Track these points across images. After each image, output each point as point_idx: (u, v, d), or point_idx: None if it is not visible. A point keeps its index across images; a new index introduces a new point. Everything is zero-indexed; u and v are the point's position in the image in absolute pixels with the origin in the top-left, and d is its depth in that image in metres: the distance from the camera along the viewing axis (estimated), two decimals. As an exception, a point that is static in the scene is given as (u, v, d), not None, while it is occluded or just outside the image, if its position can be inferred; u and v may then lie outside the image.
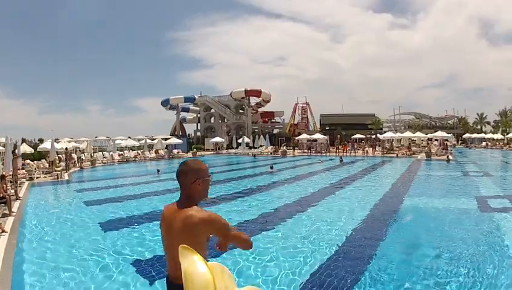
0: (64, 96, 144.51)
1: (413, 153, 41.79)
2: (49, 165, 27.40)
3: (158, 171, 26.91)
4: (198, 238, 2.52)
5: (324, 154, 46.43)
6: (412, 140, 52.76)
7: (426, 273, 6.29)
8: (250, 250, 2.68)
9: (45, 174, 25.59)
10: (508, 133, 63.16)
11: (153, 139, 55.18)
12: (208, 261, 2.23)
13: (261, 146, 57.96)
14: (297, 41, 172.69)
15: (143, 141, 51.71)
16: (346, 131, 69.38)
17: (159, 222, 2.85)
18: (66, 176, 24.48)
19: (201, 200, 2.78)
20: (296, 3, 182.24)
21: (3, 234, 8.95)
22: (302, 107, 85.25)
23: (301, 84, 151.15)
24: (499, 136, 65.36)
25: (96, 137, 55.26)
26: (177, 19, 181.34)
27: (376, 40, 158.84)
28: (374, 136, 61.34)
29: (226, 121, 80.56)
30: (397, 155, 40.46)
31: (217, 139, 59.96)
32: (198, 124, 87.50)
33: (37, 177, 23.81)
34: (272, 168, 25.05)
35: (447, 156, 33.34)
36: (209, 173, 2.82)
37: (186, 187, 2.73)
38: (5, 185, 12.93)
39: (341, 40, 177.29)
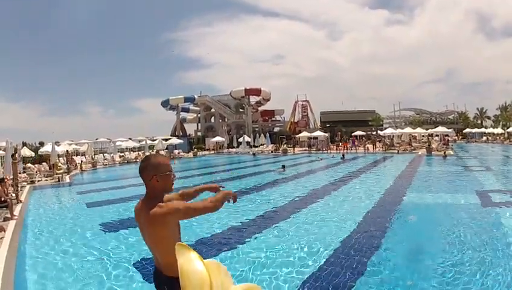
0: (64, 99, 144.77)
1: (414, 149, 41.76)
2: (50, 168, 27.38)
3: None
4: (166, 231, 2.56)
5: (325, 151, 46.46)
6: (413, 136, 52.72)
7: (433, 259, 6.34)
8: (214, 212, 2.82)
9: (46, 177, 25.56)
10: (508, 128, 62.99)
11: (154, 140, 55.14)
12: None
13: (261, 145, 57.95)
14: (295, 39, 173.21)
15: (143, 142, 51.68)
16: (346, 128, 69.32)
17: None
18: (67, 179, 24.47)
19: (166, 193, 2.81)
20: (291, 0, 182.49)
21: (3, 236, 8.95)
22: (302, 105, 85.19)
23: (300, 82, 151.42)
24: (499, 130, 65.24)
25: (96, 139, 55.23)
26: (173, 19, 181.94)
27: (373, 36, 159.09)
28: (374, 133, 61.28)
29: (226, 120, 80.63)
30: (398, 151, 40.37)
31: (218, 138, 59.95)
32: (199, 124, 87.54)
33: (38, 181, 23.81)
34: (283, 167, 24.72)
35: (444, 152, 33.26)
36: (170, 167, 2.80)
37: (146, 185, 2.76)
38: (6, 189, 12.94)
39: (338, 37, 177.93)
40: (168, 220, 2.55)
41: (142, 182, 2.75)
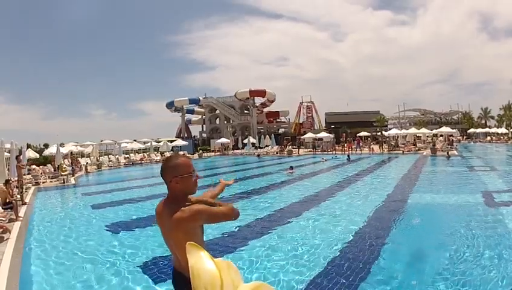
0: (67, 101, 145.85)
1: (419, 150, 41.64)
2: (54, 170, 27.43)
3: None
4: (188, 235, 2.45)
5: (330, 152, 46.43)
6: (417, 136, 52.56)
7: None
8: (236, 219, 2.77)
9: (51, 178, 25.63)
10: (512, 127, 62.96)
11: (159, 142, 55.24)
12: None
13: (266, 146, 57.90)
14: (299, 40, 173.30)
15: (148, 144, 51.77)
16: (351, 129, 69.24)
17: None
18: (72, 180, 24.51)
19: (189, 195, 2.70)
20: (295, 2, 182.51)
21: (8, 237, 8.94)
22: (307, 106, 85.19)
23: (304, 83, 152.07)
24: (503, 130, 65.01)
25: (101, 141, 55.31)
26: (176, 22, 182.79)
27: (376, 37, 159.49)
28: (379, 134, 61.08)
29: (231, 121, 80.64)
30: (403, 152, 40.29)
31: (223, 140, 59.94)
32: (204, 126, 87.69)
33: (43, 182, 23.86)
34: (291, 168, 24.66)
35: (447, 152, 33.16)
36: (191, 169, 2.70)
37: (166, 185, 2.67)
38: (11, 190, 12.93)
39: (342, 38, 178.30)
40: (190, 225, 2.50)
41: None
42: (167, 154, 48.16)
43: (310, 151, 50.41)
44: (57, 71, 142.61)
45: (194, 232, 2.53)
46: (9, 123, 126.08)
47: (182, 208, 2.51)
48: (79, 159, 37.41)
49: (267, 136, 62.13)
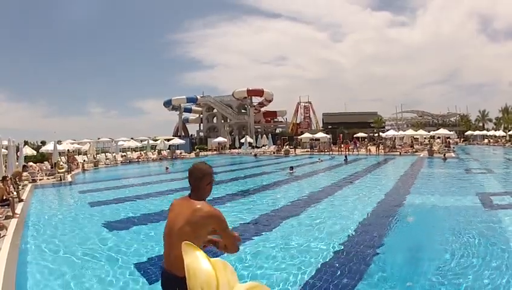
0: (66, 100, 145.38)
1: (416, 151, 41.71)
2: (51, 167, 27.38)
3: (167, 168, 29.58)
4: (201, 229, 2.80)
5: (327, 153, 46.47)
6: (415, 138, 52.57)
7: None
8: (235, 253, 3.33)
9: (48, 176, 25.55)
10: (509, 130, 62.83)
11: (156, 140, 55.17)
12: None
13: (263, 145, 57.85)
14: (298, 40, 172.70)
15: (146, 142, 51.70)
16: (348, 130, 69.18)
17: (164, 222, 3.07)
18: (69, 178, 24.44)
19: (207, 196, 3.11)
20: (295, 2, 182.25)
21: (5, 234, 8.94)
22: (305, 106, 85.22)
23: (303, 83, 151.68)
24: (501, 133, 65.03)
25: (98, 139, 55.19)
26: (176, 21, 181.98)
27: (375, 38, 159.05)
28: (376, 135, 61.06)
29: (228, 121, 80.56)
30: (400, 153, 40.34)
31: (220, 139, 59.92)
32: (201, 125, 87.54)
33: (40, 179, 23.80)
34: (291, 169, 24.67)
35: (444, 154, 33.26)
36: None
37: (200, 188, 3.05)
38: (8, 187, 12.93)
39: (341, 38, 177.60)
40: (203, 222, 2.80)
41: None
42: (164, 152, 48.26)
43: (306, 151, 50.32)
44: (57, 71, 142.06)
45: (204, 231, 2.85)
46: (10, 122, 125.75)
47: (206, 203, 2.94)
48: (76, 156, 37.31)
49: (264, 135, 62.08)
